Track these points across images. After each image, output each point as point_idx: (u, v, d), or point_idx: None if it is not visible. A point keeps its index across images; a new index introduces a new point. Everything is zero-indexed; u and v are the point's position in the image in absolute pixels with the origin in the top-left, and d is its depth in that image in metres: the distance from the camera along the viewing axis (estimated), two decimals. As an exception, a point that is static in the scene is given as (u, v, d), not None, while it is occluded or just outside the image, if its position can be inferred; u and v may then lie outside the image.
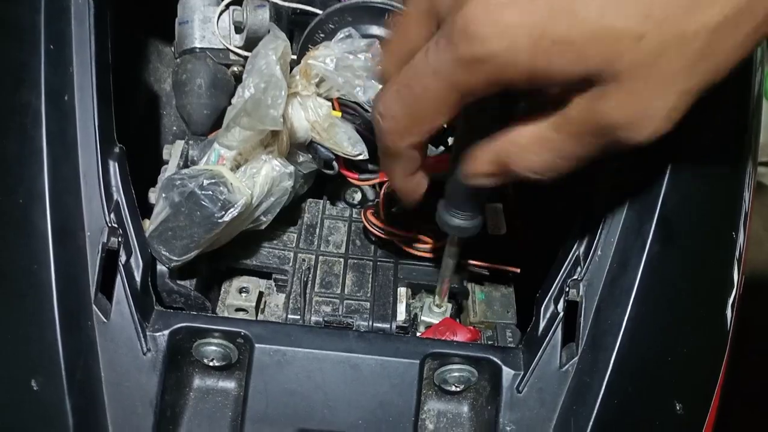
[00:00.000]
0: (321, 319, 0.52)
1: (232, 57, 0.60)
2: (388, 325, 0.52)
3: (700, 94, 0.33)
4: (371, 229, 0.54)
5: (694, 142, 0.49)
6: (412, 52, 0.35)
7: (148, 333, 0.45)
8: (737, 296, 0.51)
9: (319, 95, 0.50)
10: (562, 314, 0.47)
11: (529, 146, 0.36)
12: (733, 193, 0.51)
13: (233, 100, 0.43)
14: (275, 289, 0.55)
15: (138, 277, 0.46)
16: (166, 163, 0.56)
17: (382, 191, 0.56)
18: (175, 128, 0.67)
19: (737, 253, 0.51)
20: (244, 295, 0.53)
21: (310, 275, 0.54)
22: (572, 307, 0.47)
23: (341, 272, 0.55)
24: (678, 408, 0.47)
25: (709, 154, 0.50)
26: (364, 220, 0.54)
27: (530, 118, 0.36)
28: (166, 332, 0.45)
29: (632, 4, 0.29)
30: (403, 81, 0.35)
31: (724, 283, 0.49)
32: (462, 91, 0.33)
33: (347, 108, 0.53)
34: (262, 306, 0.54)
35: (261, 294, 0.54)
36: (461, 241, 0.48)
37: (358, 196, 0.62)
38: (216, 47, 0.60)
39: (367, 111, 0.53)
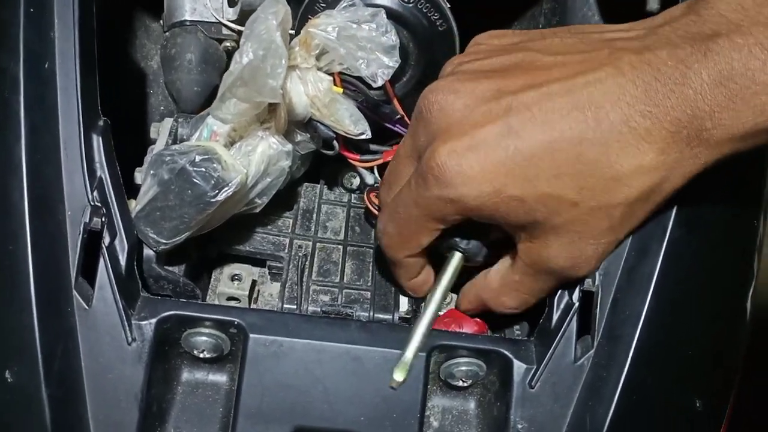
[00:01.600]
0: (319, 309, 0.48)
1: (225, 32, 0.57)
2: (390, 316, 0.49)
3: (620, 242, 0.42)
4: (375, 210, 0.50)
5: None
6: (400, 182, 0.43)
7: (133, 321, 0.41)
8: (755, 286, 0.49)
9: (319, 69, 0.47)
10: (577, 305, 0.44)
11: (499, 289, 0.45)
12: (756, 180, 0.48)
13: (231, 67, 0.39)
14: (269, 277, 0.52)
15: (123, 261, 0.42)
16: (153, 142, 0.53)
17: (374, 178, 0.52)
18: (162, 108, 0.63)
19: (758, 242, 0.48)
20: (236, 283, 0.49)
21: (307, 262, 0.51)
22: (588, 298, 0.44)
23: (340, 260, 0.52)
24: (698, 404, 0.44)
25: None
26: (367, 201, 0.51)
27: (497, 266, 0.46)
28: (153, 321, 0.42)
29: (570, 179, 0.37)
30: (393, 207, 0.43)
31: (747, 273, 0.47)
32: (437, 218, 0.41)
33: (349, 84, 0.49)
34: (255, 295, 0.51)
35: (254, 282, 0.51)
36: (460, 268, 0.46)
37: (356, 182, 0.58)
38: (208, 21, 0.56)
39: (369, 87, 0.49)
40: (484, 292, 0.47)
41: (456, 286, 0.47)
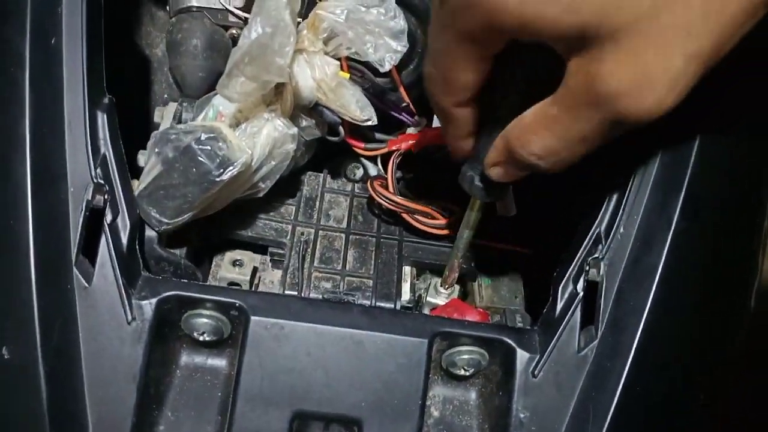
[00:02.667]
0: (320, 296, 0.48)
1: (231, 18, 0.56)
2: (392, 305, 0.49)
3: (710, 64, 0.31)
4: (379, 199, 0.50)
5: (723, 118, 0.46)
6: None
7: (133, 300, 0.41)
8: (760, 281, 0.49)
9: (326, 53, 0.47)
10: (581, 295, 0.44)
11: (531, 125, 0.36)
12: (763, 173, 0.48)
13: (239, 43, 0.39)
14: (270, 264, 0.52)
15: (124, 240, 0.42)
16: (157, 127, 0.52)
17: (392, 161, 0.52)
18: (166, 96, 0.63)
19: (762, 239, 0.48)
20: (237, 268, 0.49)
21: (309, 249, 0.50)
22: (592, 288, 0.44)
23: (342, 248, 0.51)
24: (701, 396, 0.44)
25: (738, 132, 0.48)
26: (371, 190, 0.51)
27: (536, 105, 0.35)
28: (154, 300, 0.41)
29: None
30: (432, 46, 0.36)
31: (751, 267, 0.47)
32: (468, 39, 0.33)
33: (356, 70, 0.49)
34: (256, 281, 0.51)
35: (255, 269, 0.50)
36: (483, 207, 0.45)
37: (359, 173, 0.58)
38: (214, 7, 0.56)
39: (375, 74, 0.49)
40: (512, 132, 0.37)
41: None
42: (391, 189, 0.50)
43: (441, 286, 0.51)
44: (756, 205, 0.47)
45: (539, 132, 0.35)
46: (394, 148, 0.51)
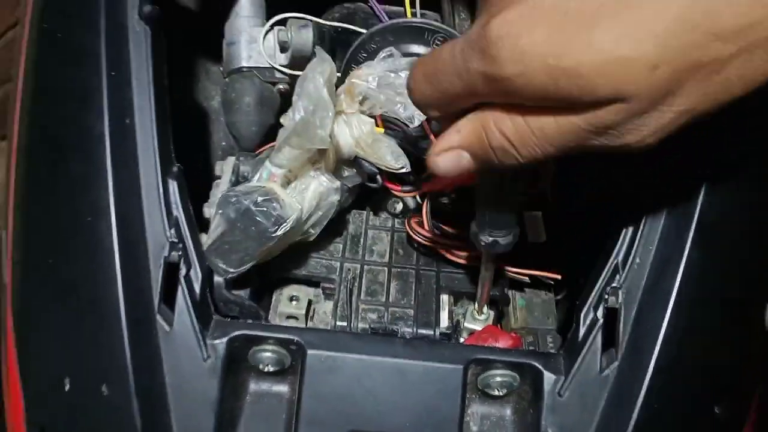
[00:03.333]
0: (367, 326, 0.54)
1: (278, 75, 0.63)
2: (432, 332, 0.54)
3: (699, 117, 0.33)
4: (415, 237, 0.56)
5: (732, 148, 0.50)
6: None
7: (207, 341, 0.48)
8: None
9: (362, 112, 0.52)
10: (601, 321, 0.48)
11: (520, 127, 0.35)
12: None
13: (284, 121, 0.45)
14: (323, 297, 0.58)
15: (197, 288, 0.49)
16: (218, 177, 0.59)
17: (426, 202, 0.58)
18: (224, 143, 0.70)
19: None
20: (294, 303, 0.55)
21: (356, 284, 0.56)
22: (612, 314, 0.48)
23: (385, 280, 0.57)
24: (717, 410, 0.48)
25: (748, 160, 0.51)
26: (408, 228, 0.56)
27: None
28: (225, 339, 0.48)
29: (647, 34, 0.29)
30: (432, 69, 0.36)
31: (764, 287, 0.50)
32: (481, 94, 0.34)
33: (390, 123, 0.55)
34: (311, 313, 0.57)
35: (310, 302, 0.57)
36: (495, 256, 0.50)
37: (399, 207, 0.64)
38: (262, 66, 0.62)
39: (408, 126, 0.55)
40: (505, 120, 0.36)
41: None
42: (426, 226, 0.56)
43: (475, 311, 0.56)
44: (766, 230, 0.51)
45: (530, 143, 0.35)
46: (425, 189, 0.56)
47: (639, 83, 0.31)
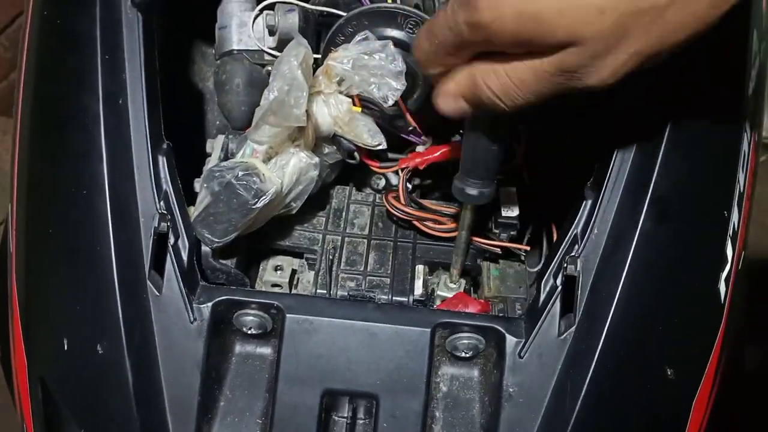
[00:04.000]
0: (346, 293, 0.58)
1: (267, 57, 0.66)
2: (407, 299, 0.58)
3: (650, 59, 0.38)
4: (392, 211, 0.59)
5: (687, 123, 0.53)
6: None
7: (194, 305, 0.52)
8: (732, 272, 0.55)
9: (340, 92, 0.56)
10: (560, 288, 0.52)
11: (502, 80, 0.41)
12: (726, 174, 0.54)
13: (261, 102, 0.49)
14: (306, 267, 0.62)
15: (185, 257, 0.53)
16: (209, 155, 0.63)
17: (402, 177, 0.61)
18: (218, 122, 0.73)
19: (731, 231, 0.54)
20: (279, 272, 0.59)
21: (337, 254, 0.60)
22: (570, 281, 0.51)
23: (365, 251, 0.61)
24: (669, 373, 0.51)
25: (702, 136, 0.54)
26: (385, 202, 0.60)
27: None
28: (210, 304, 0.52)
29: None
30: (430, 28, 0.42)
31: (716, 259, 0.53)
32: (468, 42, 0.40)
33: (367, 102, 0.58)
34: (295, 282, 0.61)
35: (294, 271, 0.61)
36: (475, 209, 0.53)
37: (382, 183, 0.67)
38: (251, 49, 0.66)
39: (384, 104, 0.58)
40: (486, 71, 0.42)
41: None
42: (402, 201, 0.59)
43: (450, 281, 0.59)
44: (721, 198, 0.54)
45: (506, 86, 0.41)
46: (403, 165, 0.60)
47: (590, 26, 0.36)
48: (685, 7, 0.36)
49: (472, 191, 0.51)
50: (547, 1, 0.36)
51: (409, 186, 0.62)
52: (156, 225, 0.52)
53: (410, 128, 0.60)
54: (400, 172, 0.64)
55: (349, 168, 0.66)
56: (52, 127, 0.55)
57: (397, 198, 0.60)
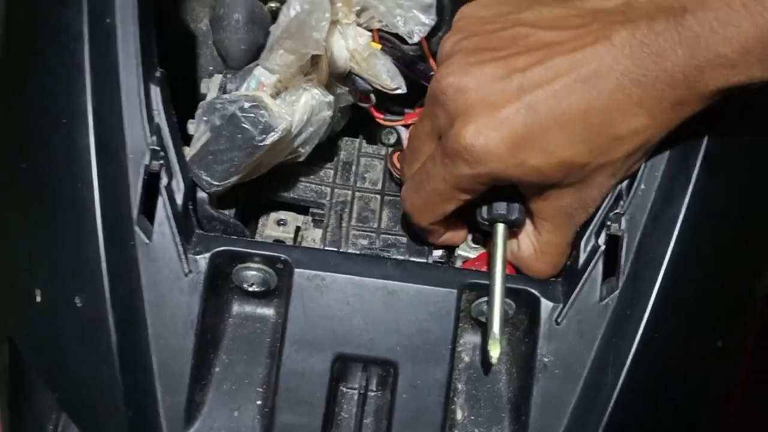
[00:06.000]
0: (358, 252, 0.52)
1: (270, -9, 0.60)
2: (425, 260, 0.52)
3: (619, 183, 0.46)
4: (396, 173, 0.54)
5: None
6: (420, 160, 0.47)
7: (189, 255, 0.45)
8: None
9: (359, 25, 0.49)
10: (603, 247, 0.46)
11: (534, 255, 0.48)
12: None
13: (279, 20, 0.42)
14: (312, 224, 0.55)
15: (179, 200, 0.46)
16: (204, 98, 0.56)
17: (408, 135, 0.55)
18: (211, 68, 0.66)
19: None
20: (282, 227, 0.53)
21: (347, 209, 0.54)
22: (613, 241, 0.46)
23: (377, 208, 0.55)
24: (719, 343, 0.46)
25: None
26: (389, 163, 0.54)
27: (523, 237, 0.48)
28: (207, 255, 0.45)
29: (581, 145, 0.41)
30: (418, 181, 0.46)
31: (770, 222, 0.49)
32: (465, 191, 0.45)
33: (387, 41, 0.52)
34: (299, 240, 0.54)
35: (298, 228, 0.54)
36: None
37: (393, 138, 0.61)
38: (254, -18, 0.59)
39: (406, 44, 0.52)
40: (520, 265, 0.49)
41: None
42: None
43: (471, 240, 0.54)
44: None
45: (543, 258, 0.48)
46: (410, 121, 0.54)
47: (576, 174, 0.43)
48: (639, 153, 0.44)
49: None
50: (545, 158, 0.42)
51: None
52: (147, 163, 0.45)
53: (431, 74, 0.54)
54: (404, 130, 0.58)
55: (357, 121, 0.60)
56: (27, 45, 0.48)
57: (402, 159, 0.54)
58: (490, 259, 0.46)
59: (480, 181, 0.43)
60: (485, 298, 0.47)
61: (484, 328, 0.49)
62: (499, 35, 0.44)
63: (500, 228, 0.47)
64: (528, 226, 0.48)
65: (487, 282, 0.46)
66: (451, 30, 0.46)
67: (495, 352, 0.43)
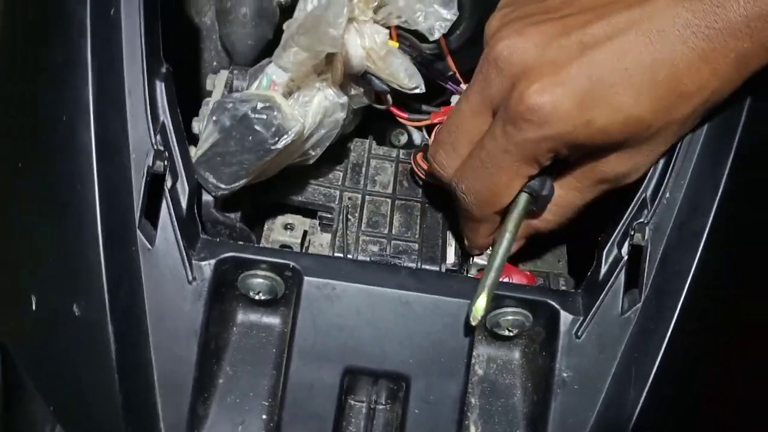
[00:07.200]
0: (368, 258, 0.50)
1: (279, -16, 0.57)
2: (437, 268, 0.50)
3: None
4: (421, 174, 0.52)
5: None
6: (471, 143, 0.44)
7: (193, 261, 0.43)
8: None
9: (376, 22, 0.47)
10: (625, 258, 0.44)
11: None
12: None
13: (294, 15, 0.40)
14: (319, 228, 0.53)
15: (184, 203, 0.44)
16: (209, 94, 0.54)
17: (433, 134, 0.53)
18: (215, 63, 0.64)
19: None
20: (289, 231, 0.51)
21: (357, 214, 0.52)
22: (637, 252, 0.44)
23: (388, 212, 0.53)
24: (745, 360, 0.45)
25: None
26: (413, 164, 0.52)
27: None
28: (213, 261, 0.43)
29: (647, 101, 0.39)
30: (477, 163, 0.43)
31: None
32: (533, 161, 0.42)
33: (404, 39, 0.50)
34: (306, 245, 0.52)
35: (306, 232, 0.52)
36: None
37: (404, 138, 0.59)
38: (262, -27, 0.57)
39: (423, 41, 0.50)
40: (542, 223, 0.47)
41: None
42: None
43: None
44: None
45: (554, 209, 0.47)
46: (436, 120, 0.52)
47: (639, 135, 0.41)
48: (694, 118, 0.43)
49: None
50: (613, 115, 0.40)
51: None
52: (150, 163, 0.43)
53: (449, 73, 0.52)
54: (425, 130, 0.56)
55: (368, 120, 0.58)
56: (27, 36, 0.45)
57: (426, 158, 0.52)
58: (501, 222, 0.45)
59: (546, 147, 0.40)
60: (503, 309, 0.45)
61: (497, 341, 0.47)
62: (547, 3, 0.42)
63: (523, 197, 0.45)
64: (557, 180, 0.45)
65: (504, 292, 0.45)
66: (496, 8, 0.44)
67: (480, 305, 0.42)
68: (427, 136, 0.57)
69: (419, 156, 0.52)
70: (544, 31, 0.40)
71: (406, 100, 0.53)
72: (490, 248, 0.48)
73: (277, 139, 0.42)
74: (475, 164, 0.44)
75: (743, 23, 0.37)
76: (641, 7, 0.39)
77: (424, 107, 0.54)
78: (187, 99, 0.55)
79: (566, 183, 0.45)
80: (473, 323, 0.42)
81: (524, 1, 0.43)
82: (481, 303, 0.41)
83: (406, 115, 0.54)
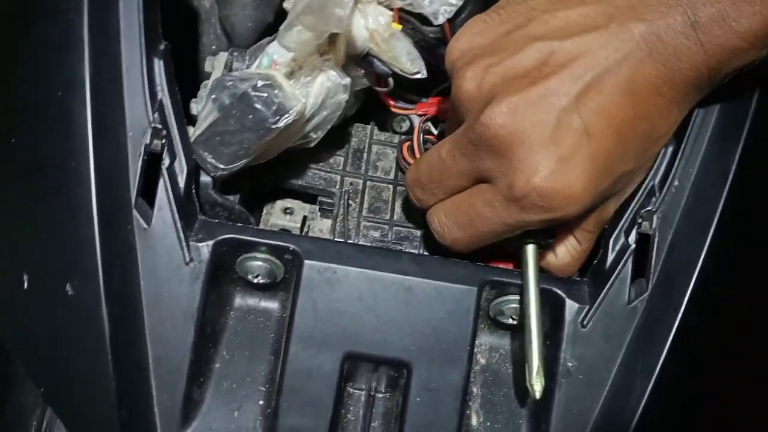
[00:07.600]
0: (369, 244, 0.49)
1: (281, -35, 0.56)
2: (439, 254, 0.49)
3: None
4: (404, 166, 0.51)
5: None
6: (448, 192, 0.43)
7: (191, 242, 0.42)
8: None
9: (380, 3, 0.46)
10: (633, 247, 0.44)
11: (572, 262, 0.46)
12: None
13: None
14: (319, 213, 0.52)
15: (182, 183, 0.43)
16: (207, 76, 0.53)
17: (418, 126, 0.52)
18: (214, 47, 0.63)
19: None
20: (288, 215, 0.50)
21: (358, 199, 0.51)
22: (644, 240, 0.43)
23: (390, 198, 0.52)
24: (753, 351, 0.44)
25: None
26: (399, 157, 0.51)
27: (560, 246, 0.46)
28: (211, 243, 0.42)
29: (633, 154, 0.41)
30: (465, 221, 0.42)
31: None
32: (523, 228, 0.41)
33: (408, 23, 0.49)
34: (306, 230, 0.51)
35: (305, 217, 0.51)
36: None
37: (406, 125, 0.58)
38: (263, -48, 0.56)
39: (427, 25, 0.49)
40: (551, 270, 0.46)
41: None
42: (417, 155, 0.50)
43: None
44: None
45: (579, 261, 0.46)
46: (421, 111, 0.51)
47: (624, 183, 0.43)
48: (619, 196, 0.44)
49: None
50: (608, 180, 0.40)
51: (435, 134, 0.52)
52: (147, 141, 0.42)
53: (453, 56, 0.51)
54: (417, 118, 0.55)
55: (369, 106, 0.56)
56: (21, 11, 0.44)
57: (411, 150, 0.51)
58: (523, 281, 0.43)
59: (551, 222, 0.40)
60: (506, 297, 0.44)
61: (500, 329, 0.46)
62: (520, 59, 0.39)
63: (530, 249, 0.43)
64: (565, 235, 0.45)
65: (508, 279, 0.44)
66: (458, 71, 0.41)
67: (537, 386, 0.40)
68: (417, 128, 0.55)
69: (405, 149, 0.51)
70: (537, 106, 0.38)
71: (402, 87, 0.52)
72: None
73: (278, 117, 0.41)
74: (461, 218, 0.42)
75: (703, 69, 0.39)
76: (615, 58, 0.38)
77: (412, 97, 0.53)
78: (186, 82, 0.54)
79: (585, 237, 0.45)
80: (536, 397, 0.40)
81: (492, 60, 0.40)
82: (537, 384, 0.40)
83: (392, 102, 0.53)
